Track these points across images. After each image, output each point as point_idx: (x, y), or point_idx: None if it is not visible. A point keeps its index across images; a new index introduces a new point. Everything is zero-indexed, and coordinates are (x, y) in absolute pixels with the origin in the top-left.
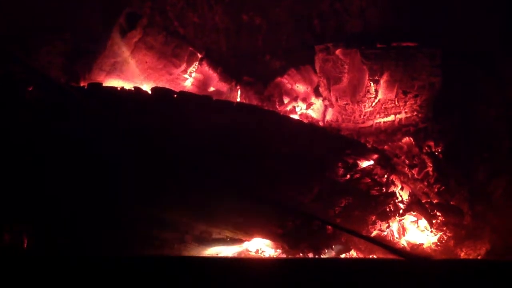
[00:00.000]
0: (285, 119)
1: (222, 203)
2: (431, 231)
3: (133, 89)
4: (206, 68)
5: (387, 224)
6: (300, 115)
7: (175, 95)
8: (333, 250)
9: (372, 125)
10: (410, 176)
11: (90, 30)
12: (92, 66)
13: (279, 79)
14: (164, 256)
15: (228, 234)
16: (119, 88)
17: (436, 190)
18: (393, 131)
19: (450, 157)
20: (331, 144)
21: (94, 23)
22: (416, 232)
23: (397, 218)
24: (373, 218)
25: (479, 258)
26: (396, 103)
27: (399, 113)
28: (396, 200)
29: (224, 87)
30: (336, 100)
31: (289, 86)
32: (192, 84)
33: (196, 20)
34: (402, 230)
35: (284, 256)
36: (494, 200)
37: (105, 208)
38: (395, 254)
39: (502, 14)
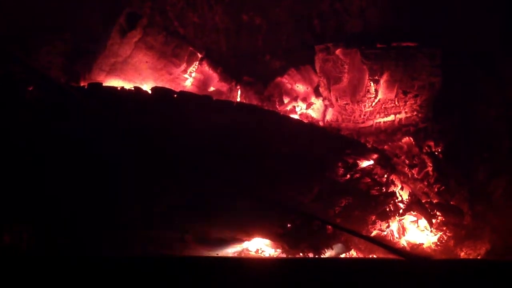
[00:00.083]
0: (285, 119)
1: (222, 203)
2: (431, 231)
3: (133, 89)
4: (206, 68)
5: (387, 224)
6: (300, 115)
7: (175, 95)
8: (333, 250)
9: (372, 125)
10: (410, 176)
11: (90, 30)
12: (92, 66)
13: (279, 79)
14: (164, 256)
15: (228, 234)
16: (119, 88)
17: (436, 190)
18: (393, 131)
19: (450, 157)
20: (331, 144)
21: (94, 23)
22: (416, 232)
23: (397, 218)
24: (373, 218)
25: (479, 258)
26: (396, 103)
27: (399, 113)
28: (396, 200)
29: (224, 87)
30: (336, 100)
31: (289, 86)
32: (192, 84)
33: (196, 20)
34: (402, 230)
35: (284, 256)
36: (494, 200)
37: (105, 208)
38: (395, 254)
39: (502, 14)
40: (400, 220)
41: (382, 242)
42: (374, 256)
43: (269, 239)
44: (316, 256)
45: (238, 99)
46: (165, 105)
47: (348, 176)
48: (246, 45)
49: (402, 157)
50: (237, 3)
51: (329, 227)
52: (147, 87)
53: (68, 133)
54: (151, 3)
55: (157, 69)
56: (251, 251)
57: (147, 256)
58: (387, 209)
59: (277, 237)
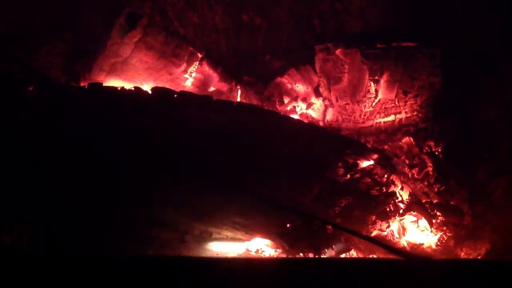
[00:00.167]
0: (285, 119)
1: (222, 203)
2: (431, 231)
3: (133, 89)
4: (206, 68)
5: (387, 224)
6: (300, 115)
7: (175, 95)
8: (333, 250)
9: (372, 125)
10: (410, 176)
11: (90, 30)
12: (92, 66)
13: (279, 79)
14: (164, 256)
15: (228, 234)
16: (119, 88)
17: (436, 190)
18: (393, 131)
19: (450, 157)
20: (331, 144)
21: (94, 23)
22: (416, 232)
23: (397, 218)
24: (373, 218)
25: (479, 258)
26: (396, 103)
27: (399, 113)
28: (396, 200)
29: (224, 87)
30: (336, 100)
31: (289, 86)
32: (192, 84)
33: (196, 20)
34: (402, 230)
35: (284, 256)
36: (494, 200)
37: (105, 208)
38: (395, 254)
39: (502, 14)
40: (400, 220)
41: (382, 242)
42: (374, 256)
43: (269, 239)
44: (316, 256)
45: (238, 99)
46: (165, 105)
47: (348, 176)
48: (246, 45)
49: (402, 157)
50: (237, 3)
51: (329, 227)
52: (147, 87)
53: (68, 133)
54: (151, 3)
55: (157, 69)
56: (251, 251)
57: (147, 256)
58: (387, 209)
59: (277, 237)
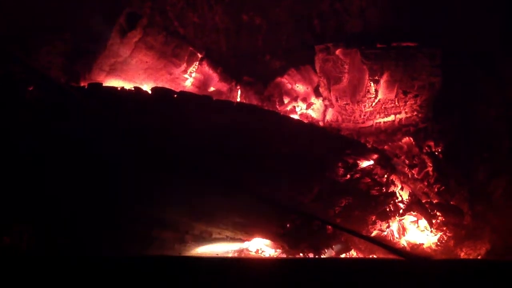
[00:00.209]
0: (285, 119)
1: (222, 203)
2: (431, 231)
3: (133, 89)
4: (206, 68)
5: (387, 224)
6: (300, 115)
7: (175, 95)
8: (333, 250)
9: (372, 125)
10: (410, 176)
11: (90, 30)
12: (92, 66)
13: (279, 79)
14: (164, 256)
15: (228, 234)
16: (119, 88)
17: (436, 190)
18: (393, 131)
19: (450, 157)
20: (331, 144)
21: (94, 23)
22: (416, 232)
23: (397, 218)
24: (373, 218)
25: (479, 258)
26: (396, 103)
27: (399, 113)
28: (396, 200)
29: (224, 87)
30: (336, 100)
31: (289, 86)
32: (192, 84)
33: (196, 20)
34: (402, 230)
35: (284, 256)
36: (494, 200)
37: (105, 208)
38: (395, 254)
39: (502, 14)
40: (400, 220)
41: (382, 242)
42: (374, 256)
43: (269, 239)
44: (316, 256)
45: (238, 99)
46: (165, 105)
47: (348, 176)
48: (246, 45)
49: (402, 157)
50: (237, 3)
51: (329, 227)
52: (147, 87)
53: (68, 133)
54: (151, 3)
55: (157, 69)
56: (251, 251)
57: (147, 256)
58: (387, 209)
59: (277, 237)
